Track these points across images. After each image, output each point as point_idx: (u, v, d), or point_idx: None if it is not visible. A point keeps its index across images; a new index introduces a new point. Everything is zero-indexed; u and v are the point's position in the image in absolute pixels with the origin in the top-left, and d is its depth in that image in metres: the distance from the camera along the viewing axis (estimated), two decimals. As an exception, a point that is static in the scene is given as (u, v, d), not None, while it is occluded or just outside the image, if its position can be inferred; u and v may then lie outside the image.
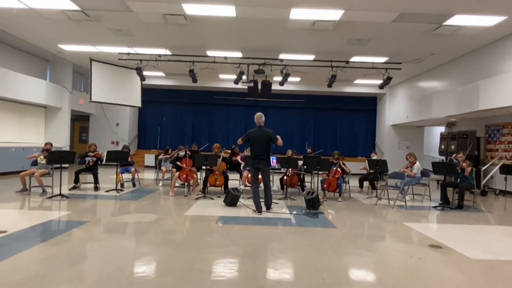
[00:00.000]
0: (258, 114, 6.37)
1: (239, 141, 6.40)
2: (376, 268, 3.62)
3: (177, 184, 8.28)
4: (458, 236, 5.14)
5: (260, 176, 6.42)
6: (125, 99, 12.42)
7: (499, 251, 4.43)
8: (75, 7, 7.63)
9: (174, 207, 6.72)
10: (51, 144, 7.84)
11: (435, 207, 7.36)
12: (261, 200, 6.27)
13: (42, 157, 7.49)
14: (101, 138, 15.28)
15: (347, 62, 10.19)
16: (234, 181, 8.99)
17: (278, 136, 6.30)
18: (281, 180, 8.59)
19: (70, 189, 7.97)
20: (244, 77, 10.52)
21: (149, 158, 14.80)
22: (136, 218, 5.56)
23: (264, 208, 6.26)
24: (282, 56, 10.61)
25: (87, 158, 8.13)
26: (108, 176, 9.96)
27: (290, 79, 10.88)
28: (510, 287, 3.26)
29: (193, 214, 5.97)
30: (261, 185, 6.54)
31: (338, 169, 8.02)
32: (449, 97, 10.53)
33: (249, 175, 8.23)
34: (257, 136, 6.20)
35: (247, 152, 8.54)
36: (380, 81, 10.87)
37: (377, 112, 16.99)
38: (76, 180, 8.19)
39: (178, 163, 8.09)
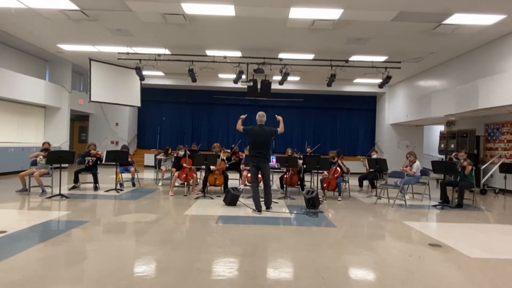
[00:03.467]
0: (261, 113, 6.42)
1: (240, 127, 6.27)
2: (375, 267, 3.62)
3: (176, 184, 8.27)
4: (457, 235, 5.14)
5: (259, 176, 6.43)
6: (124, 98, 12.41)
7: (498, 249, 4.43)
8: (74, 6, 7.62)
9: (173, 206, 6.72)
10: (49, 143, 7.83)
11: (434, 206, 7.36)
12: (260, 200, 6.28)
13: (41, 157, 7.48)
14: (101, 138, 15.21)
15: (347, 61, 10.19)
16: (233, 180, 8.99)
17: (278, 129, 6.32)
18: (281, 179, 8.59)
19: (69, 189, 7.96)
20: (243, 76, 10.52)
21: (149, 158, 14.79)
22: (136, 218, 5.56)
23: (263, 208, 6.26)
24: (281, 55, 10.60)
25: (86, 158, 8.13)
26: (107, 176, 9.96)
27: (289, 78, 10.89)
28: (510, 286, 3.26)
29: (193, 214, 5.97)
30: (261, 184, 6.55)
31: (337, 168, 8.02)
32: (449, 96, 10.53)
33: (249, 175, 8.26)
34: (258, 134, 6.24)
35: (247, 152, 8.54)
36: (379, 80, 10.88)
37: (377, 111, 16.99)
38: (76, 180, 8.18)
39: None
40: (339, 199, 7.87)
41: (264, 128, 6.32)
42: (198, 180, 8.96)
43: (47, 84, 12.63)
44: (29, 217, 5.53)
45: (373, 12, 7.51)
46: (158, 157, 9.86)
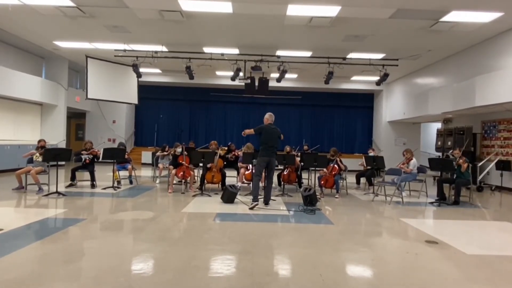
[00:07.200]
0: (271, 113, 6.59)
1: (250, 131, 6.46)
2: (372, 264, 3.63)
3: (174, 182, 8.26)
4: (454, 231, 5.17)
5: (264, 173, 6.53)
6: (121, 96, 12.36)
7: (494, 246, 4.46)
8: (70, 3, 7.56)
9: (171, 204, 6.71)
10: (44, 141, 7.80)
11: (431, 203, 7.39)
12: (259, 197, 6.35)
13: (38, 154, 7.44)
14: (98, 136, 15.19)
15: (344, 58, 10.18)
16: (231, 178, 8.98)
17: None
18: (279, 176, 8.60)
19: (66, 187, 7.93)
20: (241, 73, 10.49)
21: (146, 155, 14.76)
22: (133, 216, 5.55)
23: (262, 205, 6.31)
24: (279, 52, 10.58)
25: (83, 156, 8.10)
26: (104, 173, 9.94)
27: (287, 75, 10.87)
28: (506, 282, 3.29)
29: (190, 211, 5.97)
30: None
31: (335, 165, 8.04)
32: (446, 94, 10.55)
33: (246, 172, 8.29)
34: (271, 132, 6.43)
35: (244, 150, 8.53)
36: (377, 78, 10.88)
37: (374, 109, 17.01)
38: (73, 178, 8.16)
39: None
40: (337, 196, 7.89)
41: (275, 127, 6.54)
42: (196, 177, 8.95)
43: (44, 81, 12.55)
44: (26, 215, 5.51)
45: (370, 10, 7.50)
46: (157, 154, 9.85)
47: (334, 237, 4.63)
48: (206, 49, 10.61)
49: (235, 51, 10.71)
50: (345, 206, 7.01)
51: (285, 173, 8.39)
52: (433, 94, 11.40)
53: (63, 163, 11.28)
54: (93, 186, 8.08)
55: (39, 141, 7.76)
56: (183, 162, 7.92)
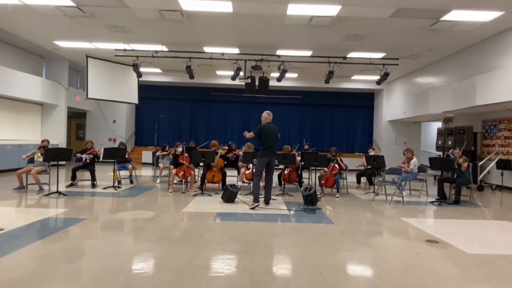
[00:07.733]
0: (270, 112, 6.56)
1: (251, 134, 6.41)
2: (373, 263, 3.63)
3: (175, 181, 8.27)
4: (454, 231, 5.17)
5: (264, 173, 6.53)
6: (122, 96, 12.36)
7: (495, 245, 4.46)
8: (70, 3, 7.56)
9: (171, 204, 6.72)
10: (48, 141, 7.80)
11: (432, 202, 7.39)
12: (260, 197, 6.35)
13: (39, 154, 7.45)
14: (98, 135, 15.21)
15: (345, 58, 10.17)
16: (232, 177, 8.98)
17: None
18: (279, 176, 8.61)
19: (67, 187, 7.93)
20: (241, 73, 10.48)
21: (146, 155, 14.76)
22: (134, 215, 5.55)
23: (262, 205, 6.32)
24: (279, 52, 10.57)
25: (83, 156, 8.10)
26: (105, 173, 9.94)
27: (287, 75, 10.86)
28: (506, 281, 3.28)
29: (190, 211, 5.97)
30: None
31: (336, 165, 8.03)
32: (446, 93, 10.54)
33: (247, 172, 8.28)
34: (271, 131, 6.41)
35: (244, 149, 8.53)
36: (377, 77, 10.87)
37: (374, 108, 16.99)
38: (73, 178, 8.16)
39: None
40: (337, 195, 7.88)
41: (274, 125, 6.52)
42: (196, 177, 8.95)
43: (44, 81, 12.55)
44: (26, 214, 5.52)
45: (371, 9, 7.49)
46: (157, 154, 9.85)
47: (335, 236, 4.63)
48: (207, 49, 10.60)
49: (236, 50, 10.70)
50: (346, 205, 7.01)
51: (285, 172, 8.39)
52: (433, 93, 11.39)
53: (63, 162, 11.30)
54: (93, 185, 8.09)
55: (42, 141, 7.78)
56: (184, 162, 7.94)
